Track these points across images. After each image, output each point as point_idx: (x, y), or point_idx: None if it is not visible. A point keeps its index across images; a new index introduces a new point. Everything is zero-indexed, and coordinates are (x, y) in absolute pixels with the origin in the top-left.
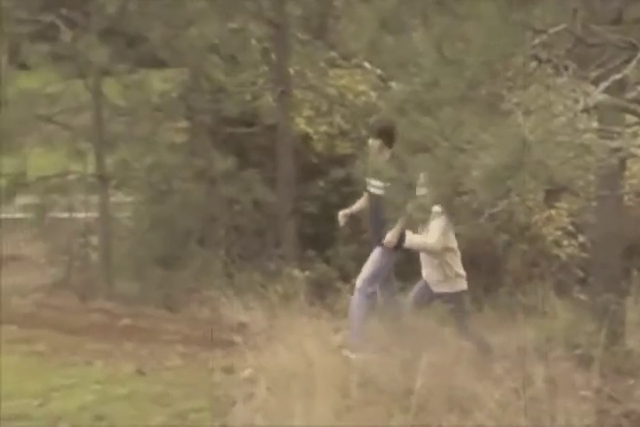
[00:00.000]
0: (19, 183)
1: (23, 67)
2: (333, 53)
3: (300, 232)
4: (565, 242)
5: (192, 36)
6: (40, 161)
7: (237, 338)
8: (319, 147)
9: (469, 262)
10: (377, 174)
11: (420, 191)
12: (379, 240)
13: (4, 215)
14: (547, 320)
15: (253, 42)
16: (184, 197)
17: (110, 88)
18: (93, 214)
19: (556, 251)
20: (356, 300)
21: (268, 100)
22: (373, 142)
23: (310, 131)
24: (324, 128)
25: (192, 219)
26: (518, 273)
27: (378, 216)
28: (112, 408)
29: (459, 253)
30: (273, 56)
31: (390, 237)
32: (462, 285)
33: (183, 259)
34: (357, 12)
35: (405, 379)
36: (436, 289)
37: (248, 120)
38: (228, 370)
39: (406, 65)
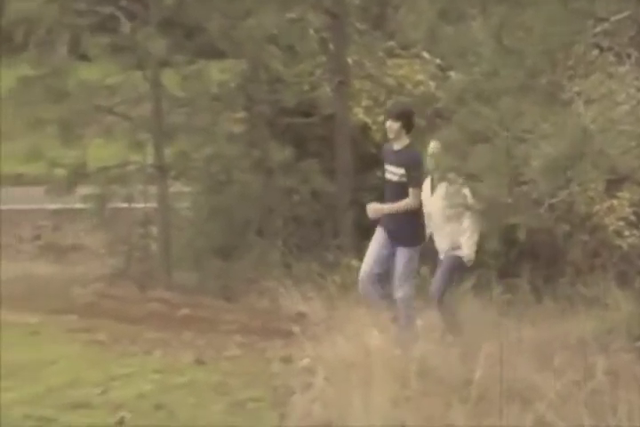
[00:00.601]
0: (79, 174)
1: (83, 58)
2: (392, 43)
3: (358, 223)
4: (627, 232)
5: (250, 27)
6: (100, 152)
7: (296, 328)
8: (377, 137)
9: (529, 253)
10: (393, 160)
11: (431, 163)
12: (392, 228)
13: (64, 206)
14: (608, 311)
15: (311, 32)
16: (242, 187)
17: (169, 79)
18: (152, 205)
19: (617, 241)
20: (404, 312)
21: (326, 90)
22: (392, 124)
23: (368, 121)
24: (382, 118)
25: (250, 209)
26: (579, 264)
27: (392, 203)
28: (171, 397)
29: None
30: (331, 46)
31: (376, 209)
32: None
33: (241, 249)
34: (416, 1)
35: (465, 369)
36: (441, 247)
37: (306, 110)
38: (287, 360)
39: (465, 54)
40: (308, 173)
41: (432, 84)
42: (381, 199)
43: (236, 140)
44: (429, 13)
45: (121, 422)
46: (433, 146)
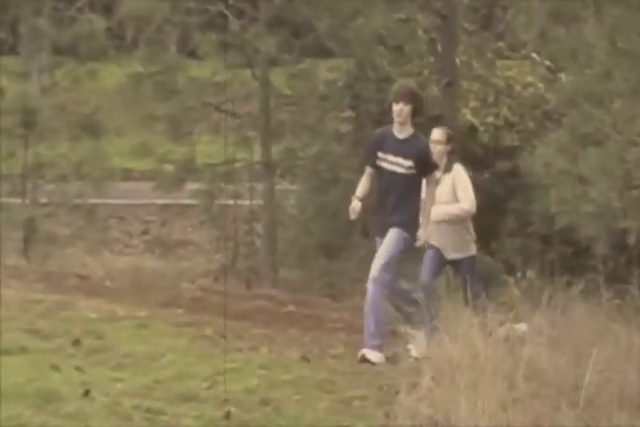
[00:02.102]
0: (187, 170)
1: (192, 56)
2: (501, 44)
3: None
4: None
5: (359, 26)
6: (208, 148)
7: (401, 328)
8: (485, 138)
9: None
10: (398, 150)
11: (436, 148)
12: (393, 224)
13: (172, 201)
14: None
15: (420, 32)
16: (348, 186)
17: (277, 77)
18: (258, 202)
19: None
20: (374, 293)
21: (434, 90)
22: (403, 108)
23: (476, 122)
24: (490, 119)
25: None
26: None
27: (398, 197)
28: (277, 393)
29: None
30: (439, 47)
31: (424, 234)
32: (474, 250)
33: (346, 249)
34: (527, 1)
35: (574, 374)
36: (451, 256)
37: None
38: (392, 359)
39: (577, 56)
40: None
41: (541, 85)
42: (488, 201)
43: (343, 139)
44: (540, 14)
45: (227, 416)
46: (435, 133)
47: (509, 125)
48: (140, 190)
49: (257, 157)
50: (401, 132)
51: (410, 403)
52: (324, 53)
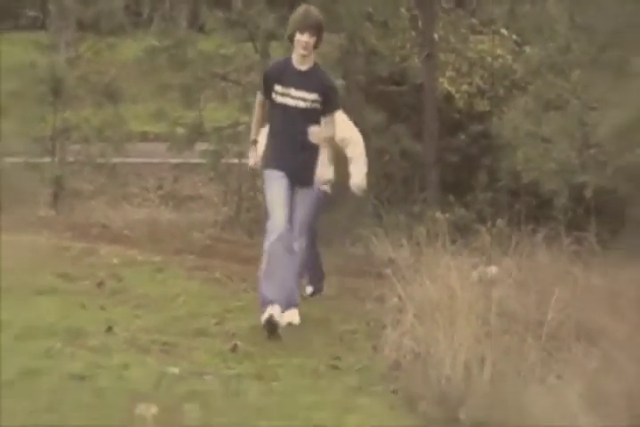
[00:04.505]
0: (197, 132)
1: (201, 30)
2: (474, 20)
3: (443, 179)
4: None
5: (349, 3)
6: (215, 113)
7: (387, 271)
8: (460, 104)
9: (596, 209)
10: (300, 83)
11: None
12: (303, 181)
13: (184, 160)
14: None
15: (403, 10)
16: None
17: (276, 50)
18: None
19: None
20: (292, 256)
21: (415, 62)
22: (309, 40)
23: (452, 90)
24: (464, 87)
25: None
26: None
27: (301, 134)
28: (280, 329)
29: None
30: (420, 23)
31: (325, 173)
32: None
33: (338, 202)
34: None
35: (539, 312)
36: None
37: (397, 80)
38: (379, 299)
39: (541, 31)
40: (398, 135)
41: (510, 57)
42: (463, 159)
43: None
44: None
45: (234, 349)
46: None
47: (481, 93)
48: (155, 151)
49: None
50: (302, 63)
51: (395, 337)
52: None
